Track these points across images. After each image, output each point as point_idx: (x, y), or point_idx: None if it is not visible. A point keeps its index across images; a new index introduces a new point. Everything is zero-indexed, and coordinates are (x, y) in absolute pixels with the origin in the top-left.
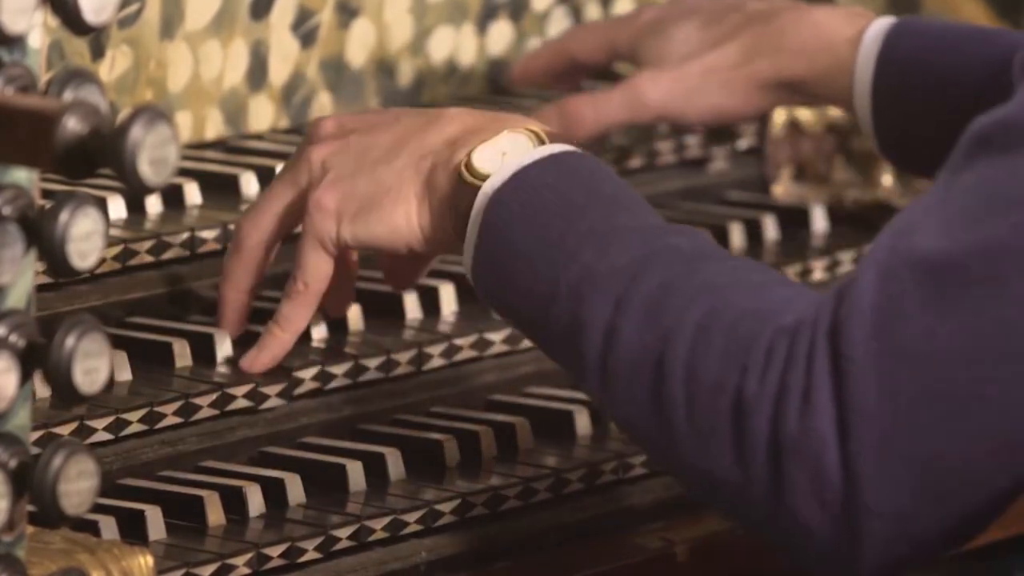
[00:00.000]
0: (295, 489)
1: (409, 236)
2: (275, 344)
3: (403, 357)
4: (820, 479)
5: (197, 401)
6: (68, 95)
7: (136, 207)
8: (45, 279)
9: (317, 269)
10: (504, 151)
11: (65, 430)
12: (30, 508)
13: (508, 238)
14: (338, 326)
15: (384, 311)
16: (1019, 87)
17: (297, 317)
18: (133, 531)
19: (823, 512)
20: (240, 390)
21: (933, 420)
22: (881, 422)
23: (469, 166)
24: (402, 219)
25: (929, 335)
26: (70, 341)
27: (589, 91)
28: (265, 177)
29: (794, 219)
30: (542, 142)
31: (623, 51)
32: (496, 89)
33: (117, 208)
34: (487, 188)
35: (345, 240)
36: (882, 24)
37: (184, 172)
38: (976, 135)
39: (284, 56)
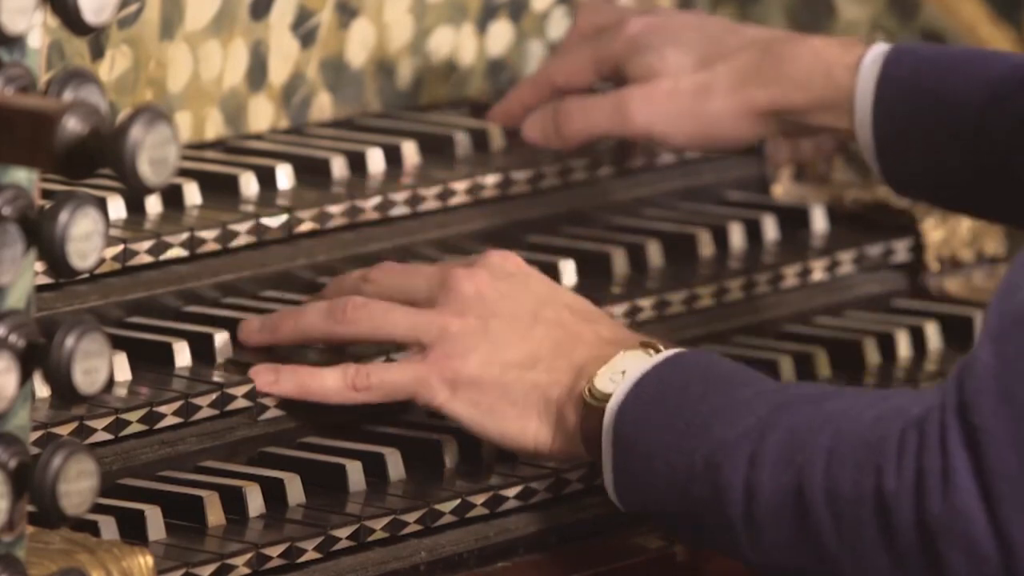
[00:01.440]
0: (295, 489)
1: (520, 448)
2: (294, 387)
3: (403, 357)
4: (976, 555)
5: (197, 401)
6: (68, 95)
7: (136, 207)
8: (45, 279)
9: (389, 394)
10: (623, 370)
11: (65, 430)
12: (30, 508)
13: (639, 442)
14: None
15: None
16: None
17: (332, 395)
18: (133, 531)
19: None
20: (240, 390)
21: None
22: (1022, 482)
23: (592, 391)
24: (517, 433)
25: None
26: (70, 341)
27: (582, 97)
28: (265, 177)
29: (794, 219)
30: (657, 352)
31: (609, 69)
32: (496, 89)
33: (117, 208)
34: (611, 405)
35: (446, 412)
36: (879, 50)
37: (184, 172)
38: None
39: (284, 56)
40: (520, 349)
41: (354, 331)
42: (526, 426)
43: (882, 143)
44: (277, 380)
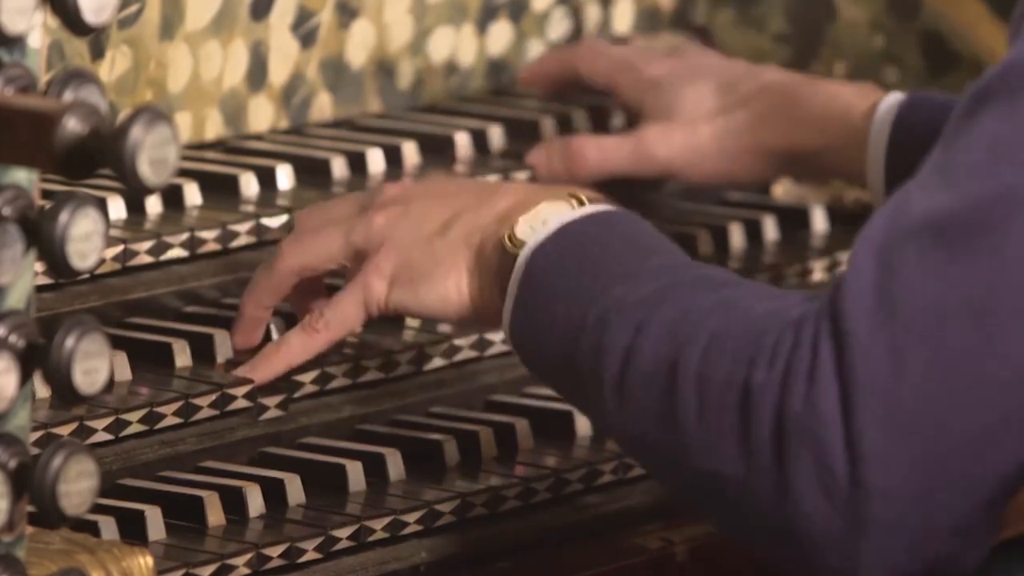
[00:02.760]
0: (295, 489)
1: (459, 306)
2: (268, 367)
3: (403, 357)
4: (824, 462)
5: (197, 401)
6: (68, 95)
7: (136, 207)
8: (45, 279)
9: (346, 321)
10: (545, 220)
11: (65, 430)
12: (30, 508)
13: (544, 285)
14: None
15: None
16: (1019, 37)
17: (301, 352)
18: (133, 531)
19: (827, 499)
20: (240, 390)
21: (939, 390)
22: (886, 396)
23: (512, 237)
24: (453, 290)
25: (936, 298)
26: (70, 341)
27: (595, 136)
28: (265, 177)
29: (794, 219)
30: (583, 205)
31: (623, 96)
32: (496, 89)
33: (117, 208)
34: (524, 251)
35: (392, 305)
36: (895, 97)
37: (184, 172)
38: (974, 94)
39: (284, 56)
40: (441, 215)
41: (333, 322)
42: (458, 282)
43: (893, 188)
44: (254, 370)
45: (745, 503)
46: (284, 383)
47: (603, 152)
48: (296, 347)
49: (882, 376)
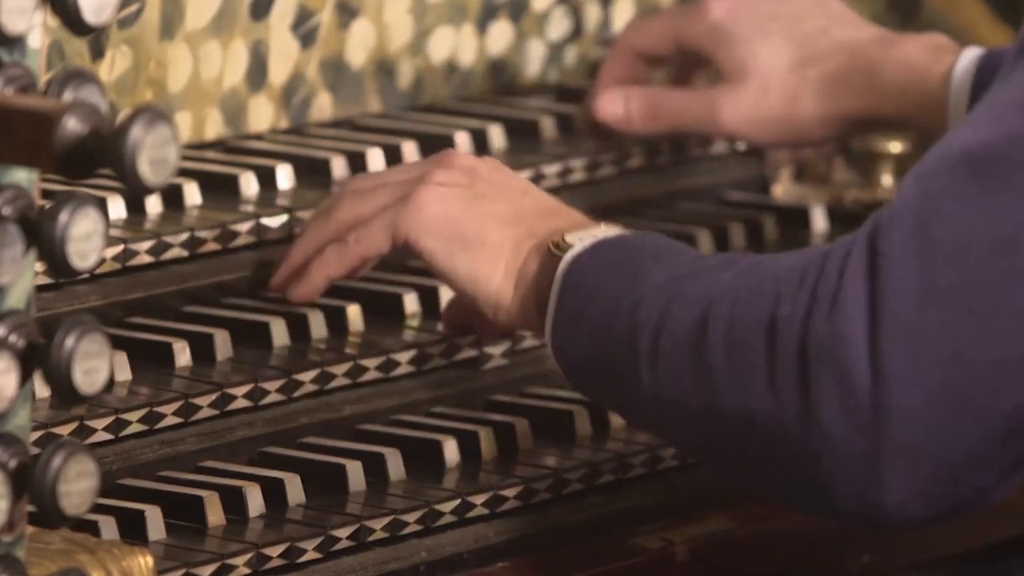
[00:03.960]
0: (295, 489)
1: (483, 295)
2: (309, 282)
3: (403, 357)
4: (847, 383)
5: (197, 401)
6: (68, 95)
7: (136, 207)
8: (45, 279)
9: (373, 240)
10: (595, 235)
11: (65, 430)
12: (30, 508)
13: (583, 287)
14: (338, 326)
15: (384, 311)
16: None
17: (334, 264)
18: (133, 531)
19: (849, 421)
20: (240, 390)
21: (962, 318)
22: (912, 318)
23: (559, 243)
24: (484, 277)
25: (967, 227)
26: (70, 341)
27: (676, 91)
28: (265, 177)
29: (794, 219)
30: None
31: (691, 46)
32: (496, 89)
33: (117, 208)
34: (568, 254)
35: (418, 247)
36: (970, 56)
37: (184, 172)
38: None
39: (284, 56)
40: (504, 207)
41: (363, 238)
42: (493, 272)
43: None
44: (300, 286)
45: (772, 437)
46: (284, 376)
47: (680, 109)
48: (331, 260)
49: (909, 299)
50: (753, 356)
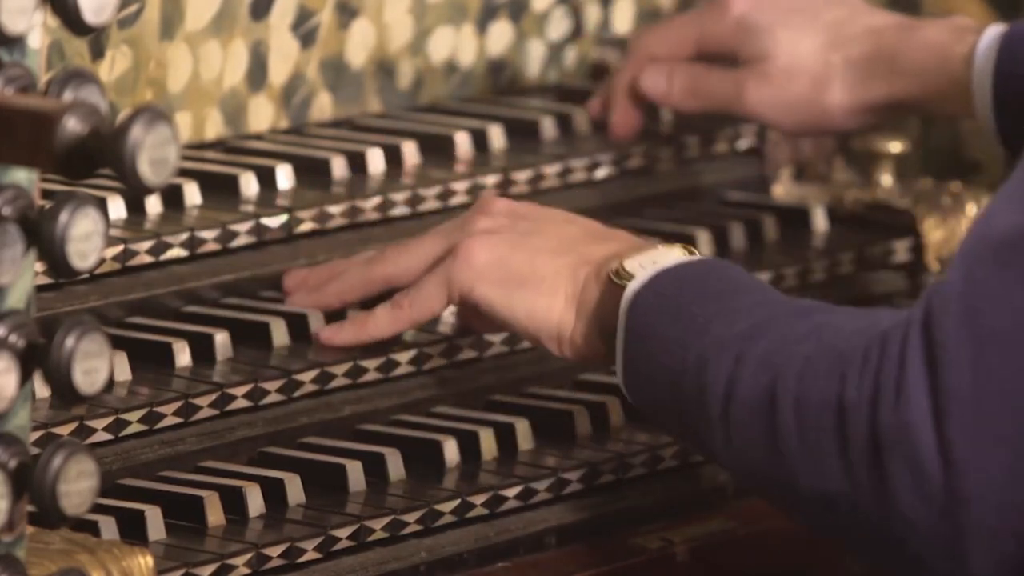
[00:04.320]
0: (295, 489)
1: (545, 329)
2: (354, 333)
3: (403, 357)
4: (920, 471)
5: (197, 401)
6: (68, 95)
7: (136, 207)
8: (45, 279)
9: (427, 302)
10: (655, 260)
11: (65, 430)
12: (30, 508)
13: (648, 332)
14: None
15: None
16: None
17: (384, 326)
18: (133, 531)
19: (926, 507)
20: (240, 390)
21: (1022, 396)
22: (974, 405)
23: (619, 271)
24: (543, 311)
25: (1014, 312)
26: (70, 341)
27: (714, 69)
28: (265, 177)
29: (794, 219)
30: (693, 255)
31: (713, 47)
32: (496, 89)
33: (117, 208)
34: (631, 286)
35: (474, 299)
36: (992, 35)
37: (184, 172)
38: None
39: (284, 56)
40: (552, 239)
41: (417, 301)
42: (552, 304)
43: (1005, 128)
44: (340, 329)
45: (853, 520)
46: (284, 376)
47: (712, 89)
48: (382, 321)
49: (968, 387)
50: (824, 437)
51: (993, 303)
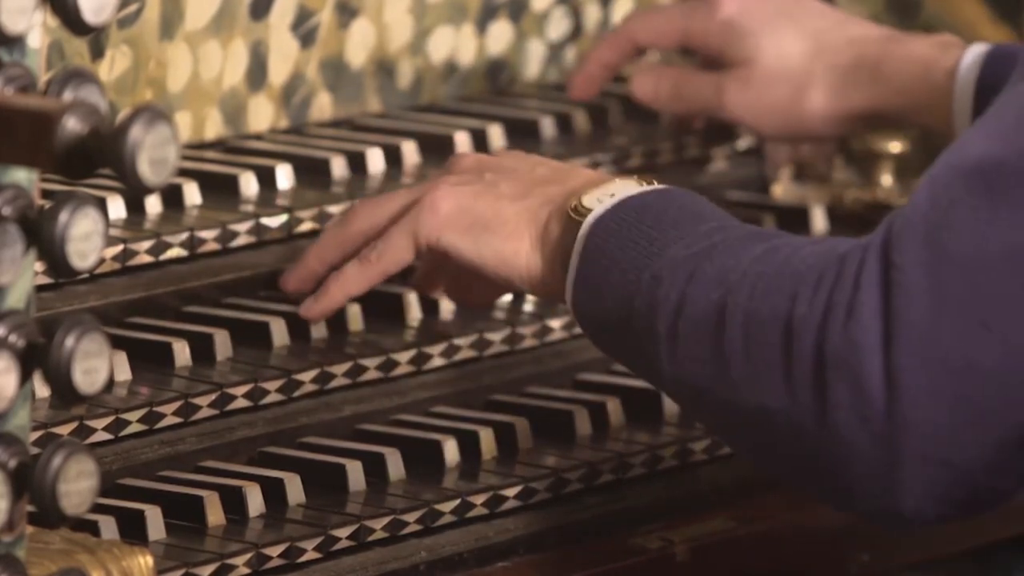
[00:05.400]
0: (295, 489)
1: (516, 271)
2: (327, 299)
3: (403, 357)
4: (862, 393)
5: (197, 401)
6: (68, 95)
7: (136, 207)
8: (45, 279)
9: (395, 253)
10: (613, 193)
11: (65, 430)
12: (30, 508)
13: (604, 253)
14: (338, 326)
15: (384, 311)
16: None
17: (356, 282)
18: (133, 531)
19: (865, 430)
20: (240, 390)
21: (977, 327)
22: (926, 331)
23: (578, 207)
24: (511, 254)
25: (979, 239)
26: (70, 341)
27: (702, 73)
28: (265, 177)
29: (794, 219)
30: (651, 185)
31: (698, 44)
32: (496, 89)
33: (117, 208)
34: (589, 219)
35: (442, 246)
36: (976, 52)
37: (184, 172)
38: None
39: (284, 56)
40: (516, 184)
41: (385, 253)
42: (519, 247)
43: None
44: (316, 301)
45: (792, 441)
46: (284, 376)
47: (695, 91)
48: (351, 278)
49: (922, 311)
50: (770, 353)
51: (958, 228)
